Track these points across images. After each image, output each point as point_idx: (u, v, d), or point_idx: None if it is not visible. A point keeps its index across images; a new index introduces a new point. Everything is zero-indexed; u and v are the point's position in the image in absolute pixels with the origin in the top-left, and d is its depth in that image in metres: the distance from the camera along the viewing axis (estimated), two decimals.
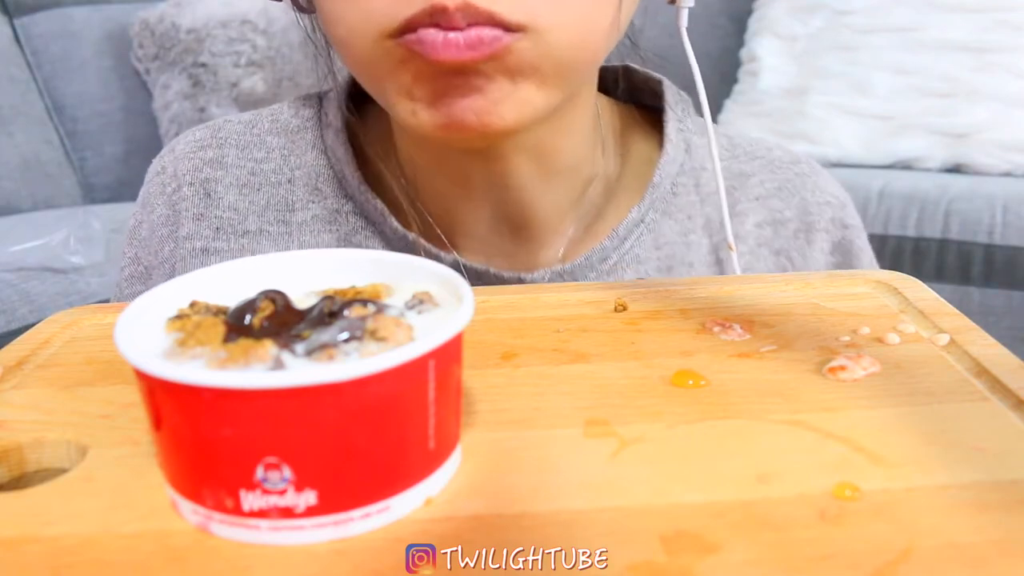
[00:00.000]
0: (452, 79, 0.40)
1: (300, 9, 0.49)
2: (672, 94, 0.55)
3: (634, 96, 0.58)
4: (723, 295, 0.43)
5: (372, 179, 0.52)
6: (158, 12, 1.78)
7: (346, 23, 0.41)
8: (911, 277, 0.44)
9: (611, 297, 0.42)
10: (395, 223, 0.50)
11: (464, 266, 0.50)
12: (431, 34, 0.38)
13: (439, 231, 0.51)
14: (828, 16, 1.54)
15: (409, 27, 0.38)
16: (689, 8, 0.49)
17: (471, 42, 0.37)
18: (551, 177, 0.49)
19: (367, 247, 0.51)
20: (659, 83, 0.55)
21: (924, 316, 0.39)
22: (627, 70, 0.57)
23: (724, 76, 1.68)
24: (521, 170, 0.48)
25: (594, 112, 0.51)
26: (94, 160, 1.87)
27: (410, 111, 0.42)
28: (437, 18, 0.37)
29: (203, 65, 1.74)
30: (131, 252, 0.56)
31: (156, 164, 0.56)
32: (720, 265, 0.53)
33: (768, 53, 1.59)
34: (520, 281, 0.50)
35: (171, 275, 0.54)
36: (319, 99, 0.55)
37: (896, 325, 0.38)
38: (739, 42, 1.70)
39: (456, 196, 0.50)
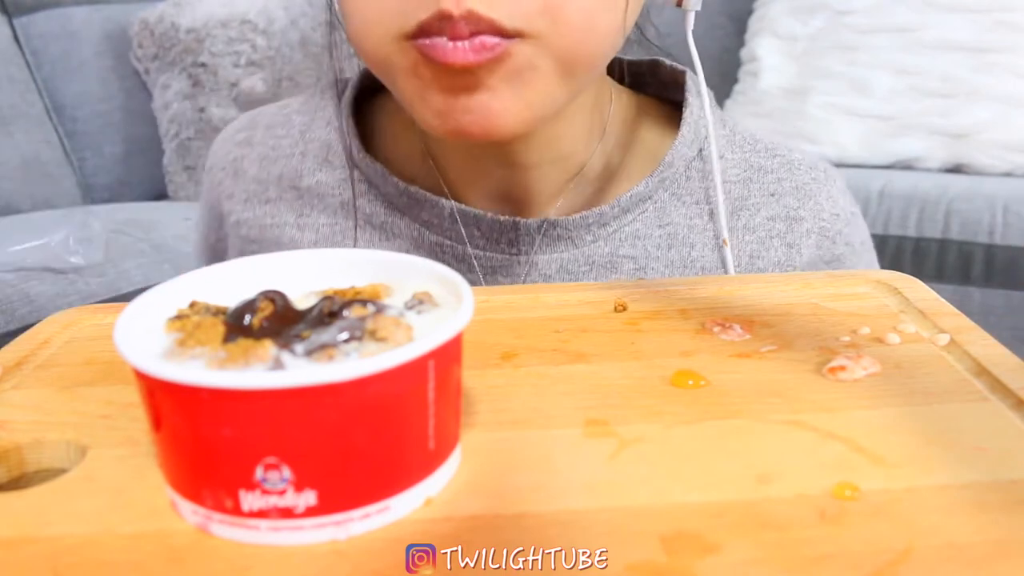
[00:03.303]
0: (458, 87, 0.43)
1: None
2: (694, 84, 0.57)
3: (662, 91, 0.60)
4: (723, 295, 0.43)
5: (382, 149, 0.57)
6: (158, 12, 1.78)
7: (362, 18, 0.45)
8: (911, 277, 0.44)
9: (611, 297, 0.42)
10: (395, 179, 0.53)
11: (461, 211, 0.53)
12: (441, 42, 0.41)
13: (452, 193, 0.55)
14: (828, 16, 1.54)
15: (421, 31, 0.42)
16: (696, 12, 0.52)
17: (475, 47, 0.41)
18: (553, 160, 0.53)
19: (370, 209, 0.55)
20: (683, 74, 0.57)
21: (924, 316, 0.39)
22: (655, 64, 0.59)
23: (724, 76, 1.68)
24: (528, 153, 0.52)
25: (593, 100, 0.53)
26: (94, 160, 1.87)
27: (421, 116, 0.46)
28: (444, 24, 0.41)
29: (203, 65, 1.73)
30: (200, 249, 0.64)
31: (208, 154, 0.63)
32: (722, 250, 0.54)
33: (768, 53, 1.59)
34: (515, 226, 0.52)
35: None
36: (345, 82, 0.60)
37: (896, 325, 0.38)
38: (739, 42, 1.69)
39: (466, 169, 0.54)
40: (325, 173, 0.56)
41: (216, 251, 0.62)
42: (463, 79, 0.43)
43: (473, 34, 0.41)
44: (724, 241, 0.53)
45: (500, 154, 0.52)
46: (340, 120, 0.57)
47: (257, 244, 0.57)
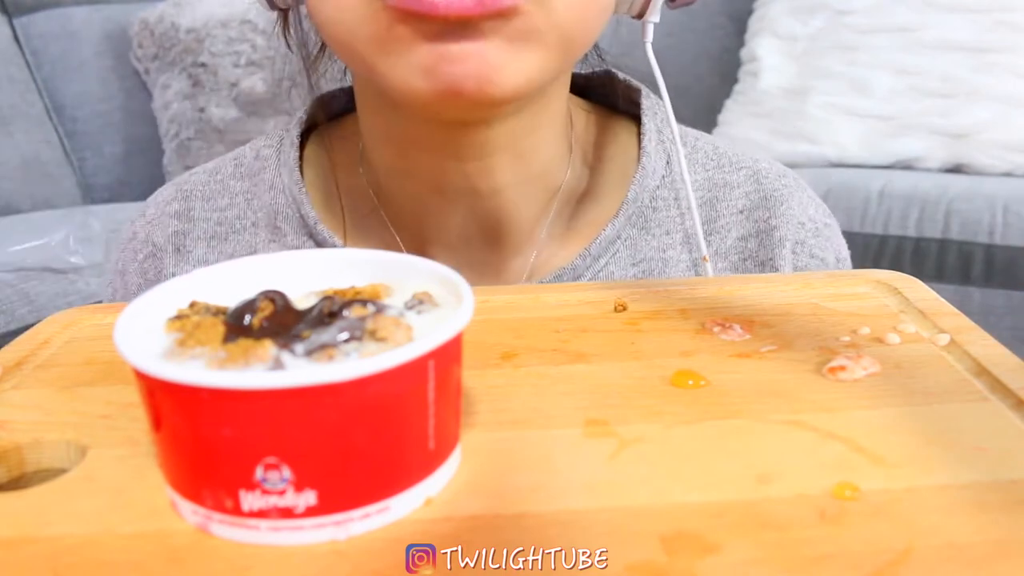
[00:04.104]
0: (449, 39, 0.38)
1: (274, 6, 0.50)
2: (651, 104, 0.54)
3: (614, 103, 0.57)
4: (723, 295, 0.43)
5: (334, 206, 0.53)
6: (158, 12, 1.78)
7: None
8: (911, 277, 0.44)
9: (611, 297, 0.42)
10: None
11: None
12: None
13: (407, 244, 0.51)
14: (828, 16, 1.54)
15: None
16: (655, 23, 0.50)
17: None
18: (525, 181, 0.49)
19: None
20: (638, 92, 0.54)
21: (924, 316, 0.39)
22: (609, 76, 0.56)
23: (724, 76, 1.68)
24: (496, 171, 0.48)
25: (565, 115, 0.51)
26: (94, 160, 1.87)
27: (403, 78, 0.40)
28: None
29: (203, 65, 1.74)
30: None
31: (129, 230, 0.56)
32: (703, 267, 0.52)
33: (768, 53, 1.59)
34: None
35: None
36: (280, 137, 0.55)
37: (896, 325, 0.38)
38: (739, 42, 1.69)
39: (430, 201, 0.50)
40: (278, 243, 0.52)
41: None
42: (457, 29, 0.38)
43: None
44: (704, 258, 0.51)
45: (465, 175, 0.47)
46: (283, 180, 0.53)
47: None
